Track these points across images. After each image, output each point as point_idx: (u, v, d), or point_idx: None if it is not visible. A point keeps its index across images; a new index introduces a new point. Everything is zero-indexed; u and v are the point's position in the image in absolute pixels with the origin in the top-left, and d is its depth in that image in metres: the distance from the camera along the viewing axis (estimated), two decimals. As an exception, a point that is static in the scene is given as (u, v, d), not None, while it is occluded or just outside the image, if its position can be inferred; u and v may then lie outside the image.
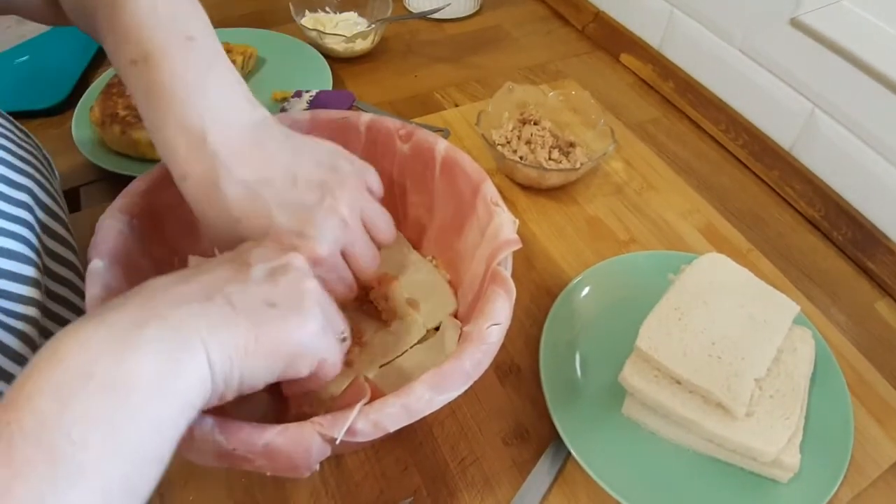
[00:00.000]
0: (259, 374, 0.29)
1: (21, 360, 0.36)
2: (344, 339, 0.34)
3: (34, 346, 0.37)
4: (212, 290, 0.29)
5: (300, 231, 0.35)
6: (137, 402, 0.24)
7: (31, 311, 0.37)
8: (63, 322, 0.42)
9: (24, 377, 0.24)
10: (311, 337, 0.30)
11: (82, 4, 0.38)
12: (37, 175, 0.42)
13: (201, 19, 0.37)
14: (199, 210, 0.36)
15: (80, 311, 0.44)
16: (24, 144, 0.44)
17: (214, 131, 0.34)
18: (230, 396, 0.29)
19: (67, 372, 0.24)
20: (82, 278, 0.45)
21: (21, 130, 0.46)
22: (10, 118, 0.46)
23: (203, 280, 0.29)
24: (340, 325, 0.34)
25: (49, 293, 0.41)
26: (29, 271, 0.38)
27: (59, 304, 0.42)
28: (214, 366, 0.27)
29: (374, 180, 0.41)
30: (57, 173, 0.49)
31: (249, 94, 0.37)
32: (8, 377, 0.35)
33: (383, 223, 0.41)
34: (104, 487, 0.23)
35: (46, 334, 0.40)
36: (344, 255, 0.38)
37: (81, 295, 0.44)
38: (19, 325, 0.36)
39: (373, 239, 0.40)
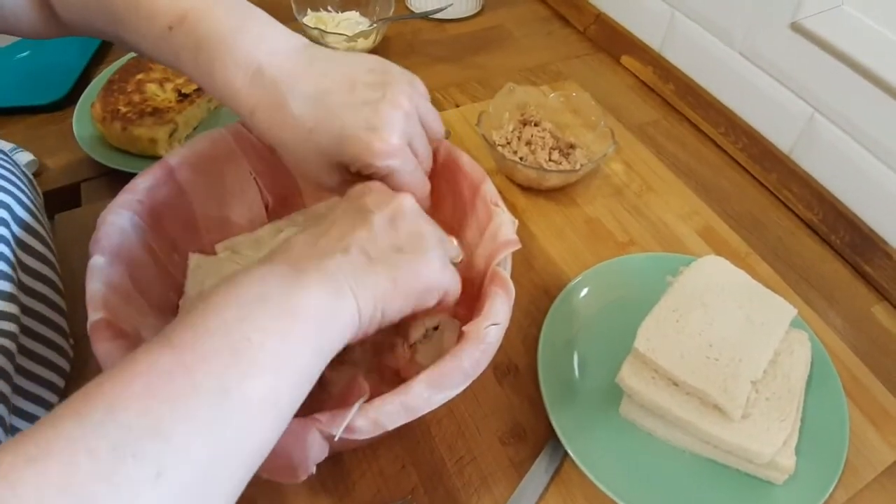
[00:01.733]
0: (397, 309, 0.33)
1: (2, 374, 0.36)
2: (459, 261, 0.39)
3: (13, 360, 0.37)
4: (347, 242, 0.33)
5: (370, 125, 0.37)
6: (303, 329, 0.28)
7: (7, 325, 0.37)
8: (40, 338, 0.42)
9: (205, 298, 0.27)
10: (436, 273, 0.35)
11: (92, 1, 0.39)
12: (15, 191, 0.43)
13: None
14: (273, 137, 0.38)
15: (56, 327, 0.44)
16: (1, 163, 0.44)
17: (268, 61, 0.37)
18: (371, 332, 0.33)
19: (247, 294, 0.28)
20: (60, 294, 0.45)
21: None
22: None
23: (335, 232, 0.33)
24: (453, 249, 0.38)
25: (24, 308, 0.41)
26: (4, 286, 0.38)
27: (35, 320, 0.42)
28: (362, 308, 0.31)
29: (420, 84, 0.42)
30: (39, 192, 0.49)
31: (284, 27, 0.40)
32: None
33: (434, 120, 0.43)
34: (276, 385, 0.26)
35: (24, 351, 0.40)
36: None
37: (58, 311, 0.44)
38: None
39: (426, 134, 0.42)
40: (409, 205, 0.36)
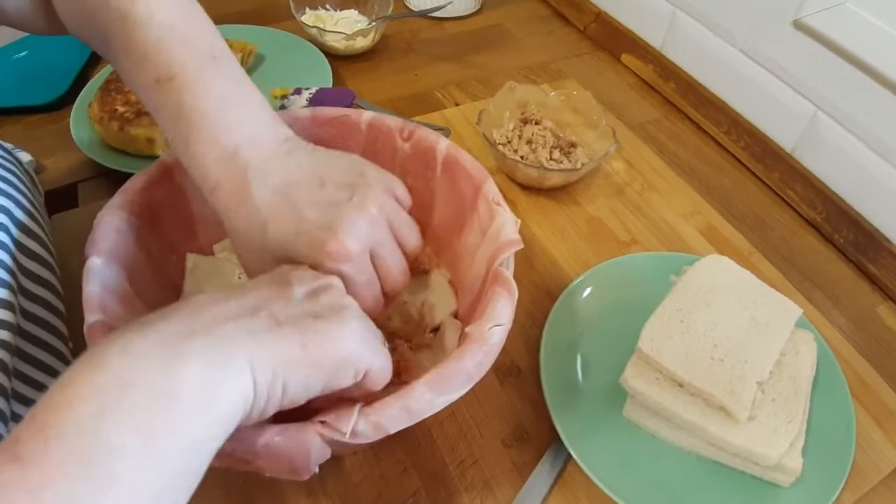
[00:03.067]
0: (303, 384, 0.29)
1: None
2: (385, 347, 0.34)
3: (7, 370, 0.36)
4: (256, 306, 0.29)
5: (329, 225, 0.34)
6: (177, 417, 0.24)
7: (2, 334, 0.36)
8: (39, 342, 0.41)
9: (65, 382, 0.24)
10: (355, 345, 0.30)
11: (88, 20, 0.37)
12: (15, 194, 0.42)
13: (217, 35, 0.37)
14: (228, 220, 0.36)
15: (56, 331, 0.43)
16: (2, 163, 0.43)
17: (245, 145, 0.35)
18: (271, 411, 0.28)
19: (109, 379, 0.24)
20: (59, 297, 0.44)
21: (1, 147, 0.45)
22: None
23: (247, 297, 0.30)
24: (380, 338, 0.34)
25: (24, 313, 0.40)
26: (2, 293, 0.37)
27: (34, 324, 0.41)
28: (258, 378, 0.27)
29: (401, 191, 0.40)
30: (41, 189, 0.48)
31: (273, 111, 0.38)
32: None
33: (409, 231, 0.39)
34: (137, 499, 0.23)
35: (22, 355, 0.39)
36: (372, 258, 0.37)
37: (57, 314, 0.43)
38: None
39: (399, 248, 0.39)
40: (337, 284, 0.33)
